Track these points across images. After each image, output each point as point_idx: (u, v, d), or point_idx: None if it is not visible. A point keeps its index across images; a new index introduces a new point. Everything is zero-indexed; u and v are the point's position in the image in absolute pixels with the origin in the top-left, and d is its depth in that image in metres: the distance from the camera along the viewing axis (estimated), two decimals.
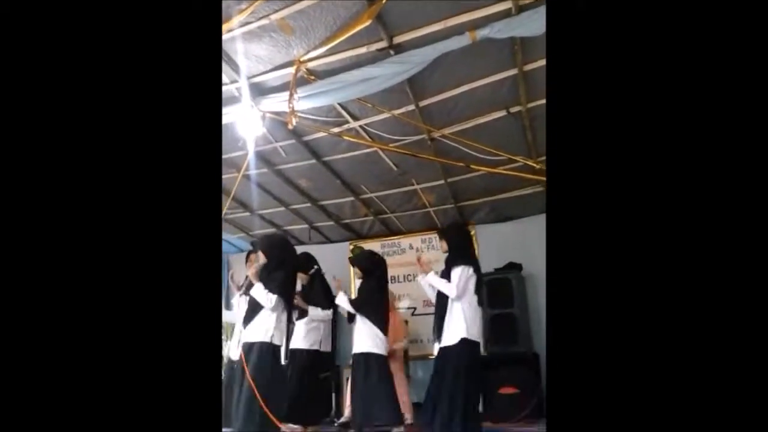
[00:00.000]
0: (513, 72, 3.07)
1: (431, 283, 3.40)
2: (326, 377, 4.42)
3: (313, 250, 4.64)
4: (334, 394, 4.87)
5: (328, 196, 4.81)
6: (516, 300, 4.48)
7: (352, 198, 4.75)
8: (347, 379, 4.60)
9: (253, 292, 3.05)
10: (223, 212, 4.53)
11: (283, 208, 5.04)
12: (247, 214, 5.11)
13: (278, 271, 3.09)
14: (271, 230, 5.53)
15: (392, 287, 5.25)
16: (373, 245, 5.64)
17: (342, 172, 4.30)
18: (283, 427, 2.86)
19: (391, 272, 5.51)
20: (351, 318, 3.68)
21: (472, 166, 3.78)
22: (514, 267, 4.64)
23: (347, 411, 4.34)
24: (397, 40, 2.81)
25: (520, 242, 4.79)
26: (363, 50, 2.88)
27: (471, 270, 3.33)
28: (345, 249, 5.78)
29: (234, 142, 3.76)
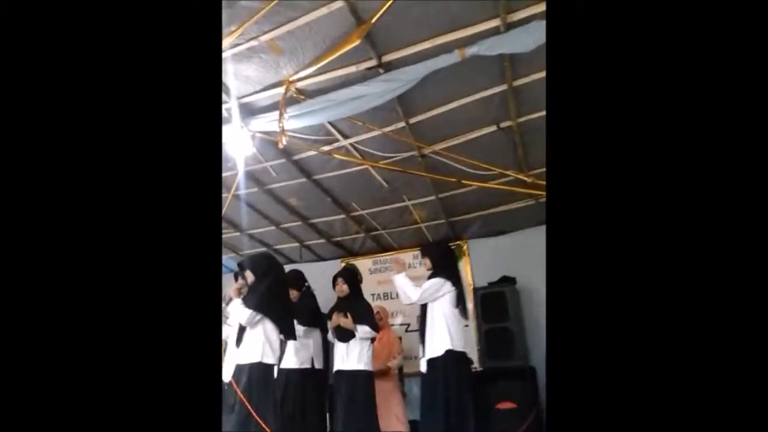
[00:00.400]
0: (502, 87, 3.08)
1: (396, 283, 3.49)
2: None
3: (304, 268, 4.59)
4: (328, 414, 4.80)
5: (319, 214, 4.78)
6: (511, 314, 4.45)
7: (342, 215, 4.72)
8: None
9: (230, 308, 3.02)
10: None
11: (273, 228, 5.00)
12: (237, 234, 5.06)
13: (261, 288, 3.07)
14: (261, 249, 5.48)
15: (385, 303, 5.22)
16: (364, 262, 5.61)
17: (332, 189, 4.28)
18: None
19: (382, 288, 5.51)
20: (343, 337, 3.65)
21: (464, 181, 3.77)
22: (507, 280, 4.62)
23: None
24: (386, 58, 2.81)
25: (513, 256, 4.77)
26: (352, 69, 2.88)
27: (448, 284, 3.40)
28: (336, 267, 5.72)
29: (223, 162, 3.74)
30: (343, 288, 3.83)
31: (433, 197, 4.38)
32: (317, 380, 3.89)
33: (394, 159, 3.74)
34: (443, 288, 3.43)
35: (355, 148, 3.67)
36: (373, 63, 2.83)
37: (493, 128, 3.48)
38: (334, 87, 2.99)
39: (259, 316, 2.99)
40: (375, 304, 4.73)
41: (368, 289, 5.55)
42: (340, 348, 3.69)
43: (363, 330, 3.62)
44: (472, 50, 2.66)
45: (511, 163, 3.80)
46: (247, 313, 2.96)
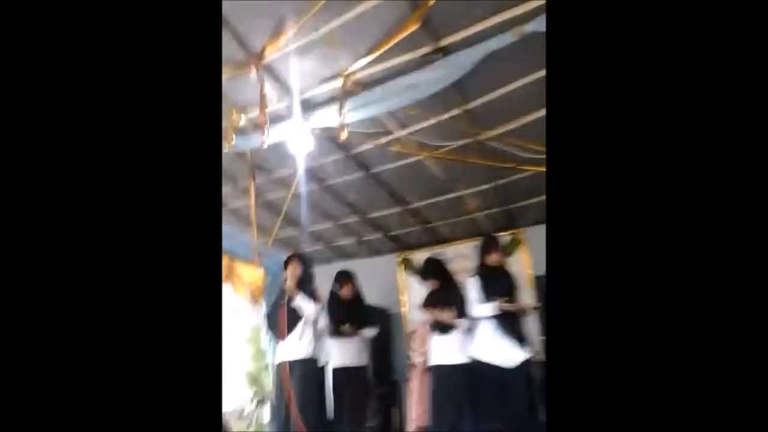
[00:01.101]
0: None
1: None
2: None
3: (362, 262, 4.64)
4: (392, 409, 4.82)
5: (376, 209, 4.82)
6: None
7: (399, 209, 4.74)
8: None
9: (296, 302, 3.05)
10: (274, 233, 4.60)
11: (330, 224, 5.07)
12: (296, 233, 5.16)
13: (312, 279, 3.11)
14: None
15: None
16: (421, 254, 5.61)
17: (389, 183, 4.31)
18: None
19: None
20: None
21: (520, 167, 3.73)
22: None
23: (410, 425, 4.28)
24: (443, 42, 2.81)
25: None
26: (409, 56, 2.89)
27: None
28: (392, 261, 5.76)
29: (283, 160, 3.83)
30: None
31: (487, 186, 4.35)
32: (364, 378, 3.93)
33: (449, 147, 3.73)
34: None
35: (411, 139, 3.68)
36: (429, 49, 2.83)
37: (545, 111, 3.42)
38: (391, 76, 3.01)
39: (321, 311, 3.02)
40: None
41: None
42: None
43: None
44: (530, 27, 2.63)
45: None
46: (314, 307, 2.98)
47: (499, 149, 3.71)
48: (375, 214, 4.95)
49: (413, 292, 5.66)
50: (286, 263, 3.38)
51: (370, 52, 2.83)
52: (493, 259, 3.51)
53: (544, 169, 3.72)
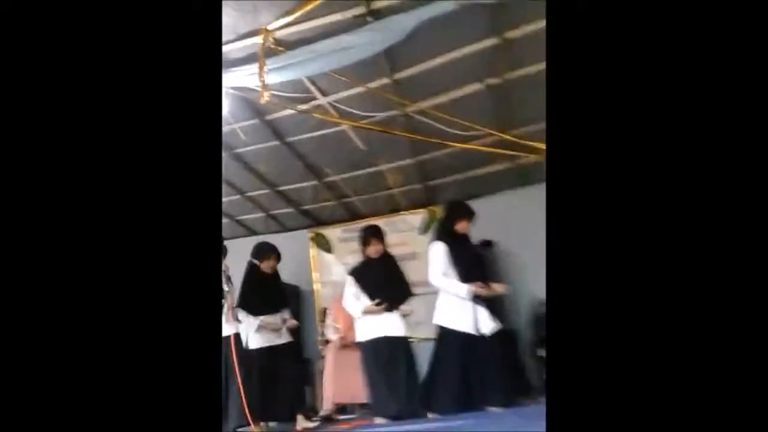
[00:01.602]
0: (494, 41, 2.92)
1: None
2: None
3: (268, 239, 4.32)
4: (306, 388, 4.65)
5: (289, 181, 4.51)
6: (490, 278, 4.41)
7: (315, 182, 4.48)
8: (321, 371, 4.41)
9: None
10: None
11: (237, 196, 4.69)
12: None
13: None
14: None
15: None
16: (334, 231, 5.41)
17: (306, 154, 4.03)
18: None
19: (352, 258, 5.33)
20: None
21: (446, 142, 3.63)
22: (487, 245, 4.56)
23: (326, 403, 4.14)
24: (376, 5, 2.58)
25: (491, 220, 4.69)
26: (338, 17, 2.63)
27: (440, 246, 3.20)
28: (304, 237, 5.50)
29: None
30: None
31: (410, 160, 4.21)
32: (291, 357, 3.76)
33: (375, 119, 3.53)
34: (437, 251, 3.26)
35: (335, 107, 3.42)
36: (361, 10, 2.59)
37: (480, 86, 3.33)
38: (317, 37, 2.73)
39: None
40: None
41: (339, 258, 5.40)
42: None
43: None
44: None
45: (495, 123, 3.67)
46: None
47: (424, 123, 3.57)
48: (287, 187, 4.65)
49: (325, 268, 5.47)
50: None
51: (294, 9, 2.53)
52: (461, 227, 3.29)
53: (469, 146, 3.66)
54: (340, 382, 4.08)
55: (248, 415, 2.87)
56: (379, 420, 3.23)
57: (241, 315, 3.39)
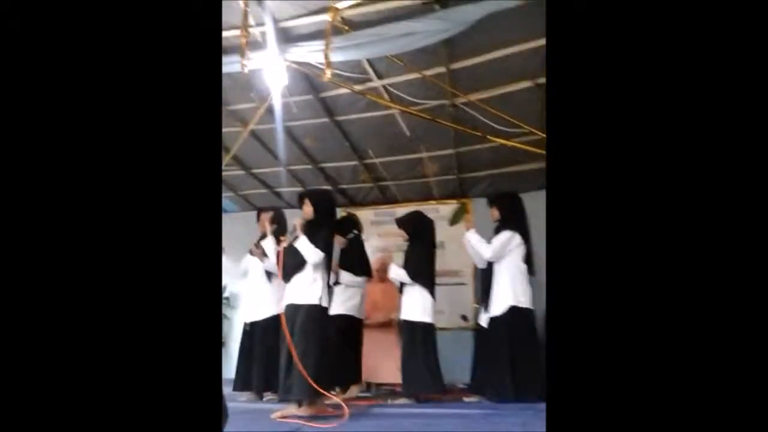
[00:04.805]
0: None
1: (469, 239, 3.42)
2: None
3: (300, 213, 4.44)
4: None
5: (331, 159, 4.65)
6: None
7: (355, 162, 4.61)
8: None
9: (298, 245, 2.87)
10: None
11: (279, 168, 4.84)
12: (241, 172, 4.89)
13: (323, 227, 2.94)
14: (263, 191, 5.33)
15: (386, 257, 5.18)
16: (366, 212, 5.53)
17: (352, 134, 4.15)
18: (324, 393, 2.74)
19: (383, 242, 5.46)
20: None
21: (489, 137, 3.72)
22: None
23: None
24: None
25: None
26: (407, 2, 2.74)
27: (518, 237, 3.34)
28: (337, 215, 5.63)
29: (245, 93, 3.56)
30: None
31: (451, 151, 4.31)
32: (359, 329, 3.81)
33: (424, 106, 3.64)
34: (513, 241, 3.35)
35: (387, 91, 3.54)
36: None
37: (529, 83, 3.42)
38: (383, 20, 2.84)
39: (324, 259, 2.87)
40: (375, 257, 4.70)
41: (368, 241, 5.52)
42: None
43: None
44: None
45: (539, 123, 3.74)
46: (320, 254, 2.82)
47: (471, 115, 3.67)
48: (328, 164, 4.79)
49: None
50: (300, 200, 3.08)
51: None
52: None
53: (510, 142, 3.74)
54: (363, 361, 4.21)
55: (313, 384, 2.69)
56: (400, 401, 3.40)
57: (345, 276, 3.61)
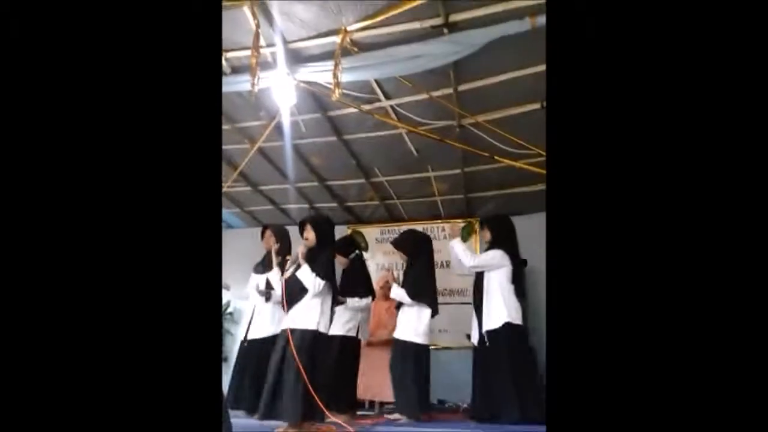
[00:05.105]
0: None
1: (454, 247, 3.48)
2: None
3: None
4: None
5: (338, 177, 4.67)
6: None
7: (362, 180, 4.63)
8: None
9: (299, 274, 2.91)
10: (227, 185, 4.34)
11: (285, 186, 4.87)
12: (248, 188, 4.92)
13: (323, 253, 2.96)
14: (268, 207, 5.36)
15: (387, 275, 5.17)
16: (372, 230, 5.55)
17: (359, 152, 4.18)
18: (330, 416, 2.74)
19: (389, 259, 5.46)
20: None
21: (496, 158, 3.73)
22: (521, 262, 4.63)
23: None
24: (454, 18, 2.72)
25: (526, 238, 4.77)
26: (416, 26, 2.77)
27: (507, 258, 3.38)
28: (342, 232, 5.65)
29: (254, 112, 3.60)
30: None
31: (458, 171, 4.33)
32: (356, 350, 3.82)
33: (431, 126, 3.66)
34: (502, 260, 3.43)
35: (395, 111, 3.57)
36: (439, 21, 2.73)
37: (537, 106, 3.44)
38: (392, 43, 2.88)
39: (327, 286, 2.90)
40: (379, 274, 4.69)
41: (374, 258, 5.52)
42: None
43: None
44: (543, 19, 2.59)
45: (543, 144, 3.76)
46: (321, 284, 2.85)
47: (478, 136, 3.68)
48: (334, 182, 4.81)
49: None
50: (301, 226, 3.09)
51: (377, 13, 2.69)
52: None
53: (517, 163, 3.75)
54: (364, 378, 4.18)
55: (319, 404, 2.70)
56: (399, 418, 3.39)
57: (349, 300, 3.60)
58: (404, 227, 5.32)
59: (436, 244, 5.12)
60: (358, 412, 4.24)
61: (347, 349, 3.64)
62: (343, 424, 2.82)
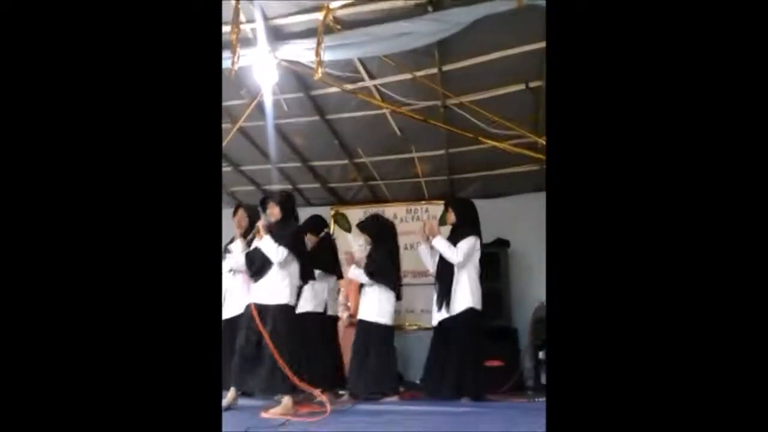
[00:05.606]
0: (544, 44, 2.99)
1: (437, 246, 3.44)
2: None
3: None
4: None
5: (321, 157, 4.62)
6: (502, 275, 4.54)
7: (345, 161, 4.58)
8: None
9: (261, 245, 2.89)
10: None
11: (267, 166, 4.80)
12: (229, 168, 4.83)
13: (288, 227, 2.97)
14: (250, 188, 5.29)
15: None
16: (355, 212, 5.51)
17: (342, 132, 4.12)
18: (305, 388, 2.74)
19: (366, 240, 5.41)
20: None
21: (481, 138, 3.71)
22: (502, 243, 4.66)
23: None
24: None
25: (509, 219, 4.79)
26: (400, 3, 2.71)
27: (478, 243, 3.42)
28: (326, 213, 5.60)
29: (235, 90, 3.52)
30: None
31: (442, 152, 4.30)
32: (331, 325, 3.83)
33: (415, 107, 3.62)
34: (476, 246, 3.45)
35: (378, 91, 3.52)
36: None
37: (522, 86, 3.42)
38: (375, 21, 2.81)
39: (291, 257, 2.90)
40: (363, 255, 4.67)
41: (356, 240, 5.49)
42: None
43: None
44: None
45: (530, 126, 3.75)
46: (284, 252, 2.85)
47: (462, 117, 3.66)
48: (317, 163, 4.76)
49: (342, 247, 5.57)
50: (264, 203, 3.12)
51: None
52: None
53: (501, 144, 3.74)
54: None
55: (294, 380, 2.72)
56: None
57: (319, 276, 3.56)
58: (387, 208, 5.31)
59: (419, 225, 5.17)
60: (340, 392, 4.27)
61: (319, 324, 3.64)
62: (317, 394, 2.84)
